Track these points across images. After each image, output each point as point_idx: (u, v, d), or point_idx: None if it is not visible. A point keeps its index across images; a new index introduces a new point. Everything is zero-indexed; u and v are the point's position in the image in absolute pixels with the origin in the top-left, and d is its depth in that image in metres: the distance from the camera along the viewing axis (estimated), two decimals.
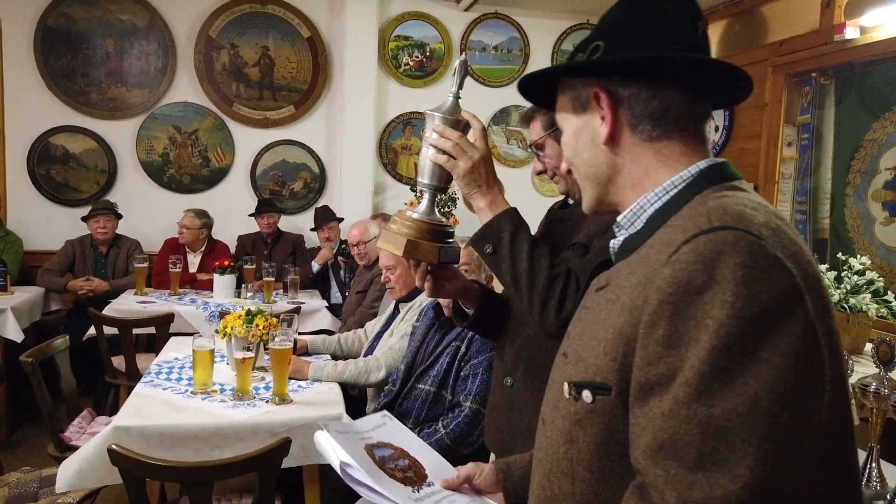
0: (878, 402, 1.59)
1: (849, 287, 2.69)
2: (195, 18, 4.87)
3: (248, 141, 5.06)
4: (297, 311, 3.61)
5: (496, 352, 1.61)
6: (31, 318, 4.00)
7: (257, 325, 2.37)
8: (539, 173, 1.56)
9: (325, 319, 4.02)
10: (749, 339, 0.66)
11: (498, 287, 1.66)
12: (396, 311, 2.85)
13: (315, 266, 4.59)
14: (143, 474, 1.65)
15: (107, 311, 3.56)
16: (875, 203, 3.54)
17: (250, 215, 4.75)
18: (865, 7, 3.47)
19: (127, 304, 3.80)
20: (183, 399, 2.20)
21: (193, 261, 4.49)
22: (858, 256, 2.80)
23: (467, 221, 4.58)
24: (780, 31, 4.15)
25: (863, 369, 2.27)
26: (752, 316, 0.66)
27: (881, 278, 2.74)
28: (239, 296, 4.09)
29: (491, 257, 1.32)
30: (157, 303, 3.87)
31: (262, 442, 1.96)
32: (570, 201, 1.57)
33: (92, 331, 3.46)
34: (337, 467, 1.11)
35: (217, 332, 2.41)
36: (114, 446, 1.63)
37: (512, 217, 1.32)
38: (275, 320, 2.44)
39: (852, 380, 1.77)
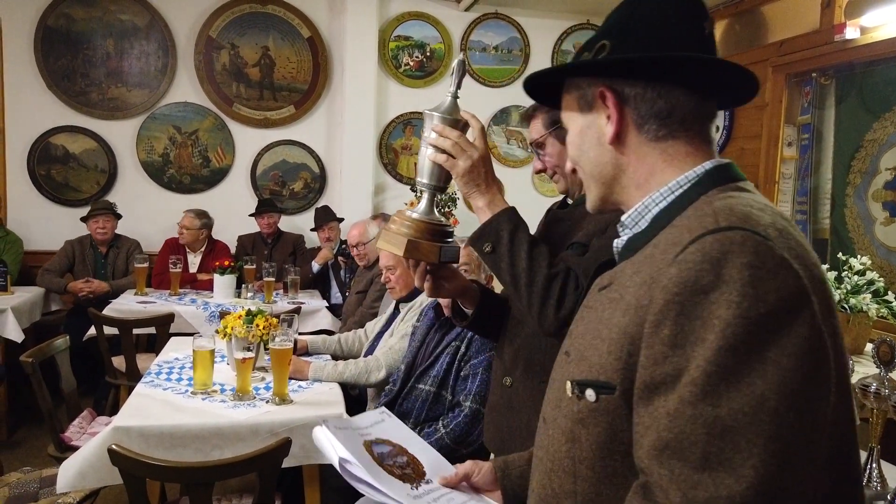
0: (878, 402, 1.59)
1: (849, 287, 2.69)
2: (195, 18, 4.87)
3: (248, 141, 5.06)
4: (297, 311, 3.61)
5: (495, 352, 1.61)
6: (32, 318, 4.00)
7: (257, 326, 2.37)
8: (538, 172, 1.56)
9: (325, 320, 4.02)
10: (756, 339, 0.66)
11: (498, 287, 1.66)
12: (397, 311, 2.86)
13: (315, 266, 4.59)
14: (143, 474, 1.65)
15: (107, 312, 3.56)
16: (875, 203, 3.54)
17: (250, 215, 4.75)
18: (866, 7, 3.47)
19: (127, 305, 3.80)
20: (183, 399, 2.20)
21: (194, 261, 4.49)
22: (859, 256, 2.80)
23: (467, 221, 4.58)
24: (780, 31, 4.15)
25: (863, 369, 2.26)
26: (758, 316, 0.66)
27: (881, 278, 2.74)
28: (239, 296, 4.09)
29: (490, 256, 1.32)
30: (158, 303, 3.87)
31: (262, 442, 1.96)
32: (569, 201, 1.57)
33: (92, 331, 3.46)
34: (336, 464, 1.11)
35: (217, 332, 2.41)
36: (114, 446, 1.63)
37: (511, 216, 1.32)
38: (275, 320, 2.44)
39: (853, 380, 1.76)
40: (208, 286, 4.15)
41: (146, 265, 4.15)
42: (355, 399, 2.75)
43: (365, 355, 2.79)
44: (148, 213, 4.85)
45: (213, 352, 2.27)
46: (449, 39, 5.27)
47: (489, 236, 1.31)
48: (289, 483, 2.43)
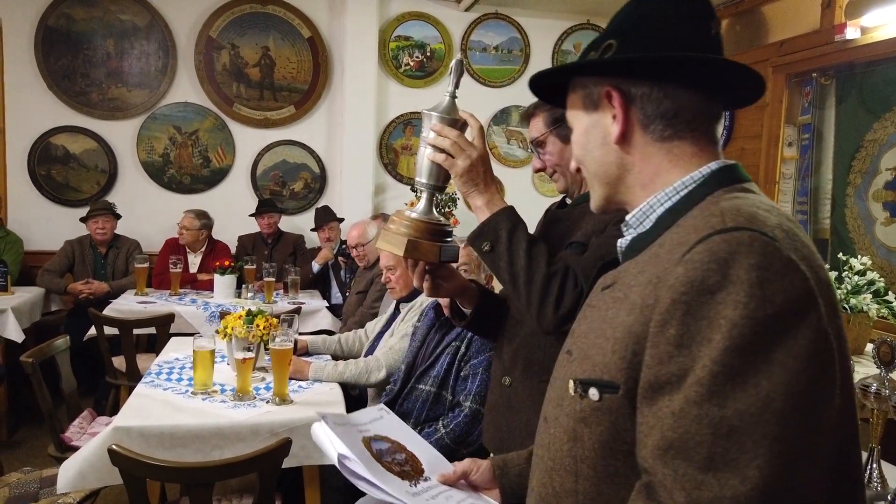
0: (878, 402, 1.59)
1: (849, 287, 2.69)
2: (195, 19, 4.88)
3: (248, 141, 5.06)
4: (297, 311, 3.61)
5: (494, 351, 1.61)
6: (32, 318, 4.00)
7: (258, 326, 2.37)
8: (538, 171, 1.56)
9: (325, 320, 4.02)
10: (762, 340, 0.66)
11: (498, 287, 1.66)
12: (397, 311, 2.86)
13: (315, 266, 4.59)
14: (143, 475, 1.65)
15: (107, 312, 3.56)
16: (876, 203, 3.54)
17: (251, 215, 4.75)
18: (866, 7, 3.47)
19: (127, 305, 3.80)
20: (183, 399, 2.20)
21: (194, 261, 4.49)
22: (859, 257, 2.80)
23: (468, 221, 4.58)
24: (780, 31, 4.15)
25: (863, 370, 2.26)
26: (765, 317, 0.66)
27: (882, 279, 2.73)
28: (239, 296, 4.09)
29: (488, 255, 1.32)
30: (158, 303, 3.87)
31: (262, 442, 1.96)
32: (568, 201, 1.57)
33: (92, 331, 3.46)
34: (334, 460, 1.11)
35: (217, 332, 2.41)
36: (114, 447, 1.63)
37: (509, 215, 1.32)
38: (275, 321, 2.44)
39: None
40: (208, 286, 4.15)
41: (146, 265, 4.15)
42: (355, 399, 2.75)
43: (365, 355, 2.79)
44: (148, 213, 4.86)
45: (213, 352, 2.27)
46: (449, 39, 5.27)
47: (488, 235, 1.32)
48: (289, 483, 2.43)
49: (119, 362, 3.35)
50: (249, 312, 2.42)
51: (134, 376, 3.14)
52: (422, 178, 1.33)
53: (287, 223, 5.01)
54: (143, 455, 1.66)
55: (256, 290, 4.15)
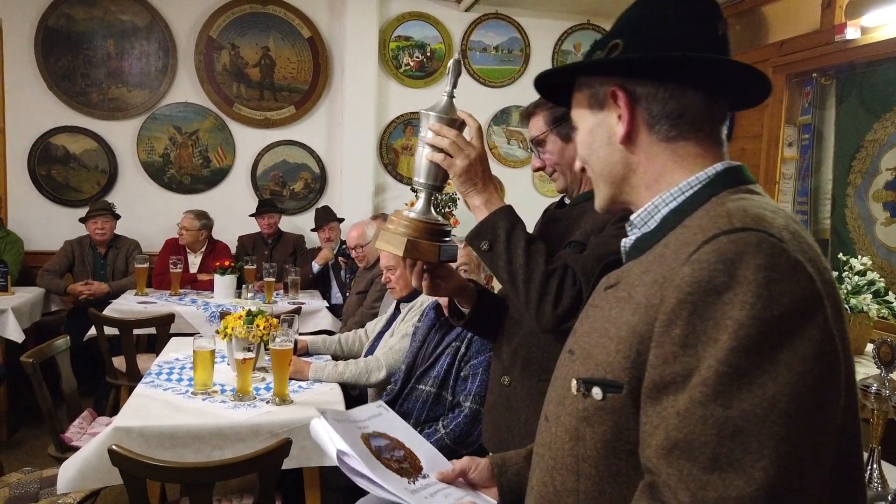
0: (879, 403, 1.59)
1: (850, 287, 2.69)
2: (196, 19, 4.88)
3: (248, 141, 5.06)
4: (297, 311, 3.61)
5: (493, 351, 1.61)
6: (32, 318, 4.00)
7: (258, 326, 2.37)
8: (537, 170, 1.56)
9: (325, 320, 4.02)
10: (769, 341, 0.66)
11: (498, 287, 1.66)
12: (397, 311, 2.85)
13: (315, 266, 4.59)
14: (143, 475, 1.65)
15: (107, 312, 3.56)
16: (876, 203, 3.54)
17: (251, 216, 4.75)
18: (866, 7, 3.46)
19: (127, 305, 3.80)
20: (183, 399, 2.20)
21: (194, 261, 4.49)
22: (859, 257, 2.80)
23: (468, 222, 4.58)
24: (780, 31, 4.15)
25: (864, 370, 2.26)
26: (772, 318, 0.66)
27: (882, 279, 2.73)
28: (239, 296, 4.09)
29: (487, 254, 1.32)
30: (158, 303, 3.87)
31: (262, 442, 1.96)
32: (567, 201, 1.57)
33: (92, 331, 3.46)
34: (333, 456, 1.11)
35: (217, 332, 2.41)
36: (114, 447, 1.63)
37: (507, 214, 1.33)
38: (275, 321, 2.44)
39: None
40: (209, 286, 4.15)
41: (146, 265, 4.15)
42: (356, 399, 2.75)
43: (365, 355, 2.79)
44: (148, 213, 4.86)
45: (213, 352, 2.27)
46: (449, 40, 5.27)
47: (486, 234, 1.32)
48: (289, 483, 2.43)
49: (119, 362, 3.35)
50: (249, 312, 2.42)
51: (134, 376, 3.14)
52: (420, 178, 1.33)
53: (287, 223, 5.01)
54: (143, 455, 1.66)
55: (256, 291, 4.15)
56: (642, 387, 0.74)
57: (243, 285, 4.16)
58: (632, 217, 0.90)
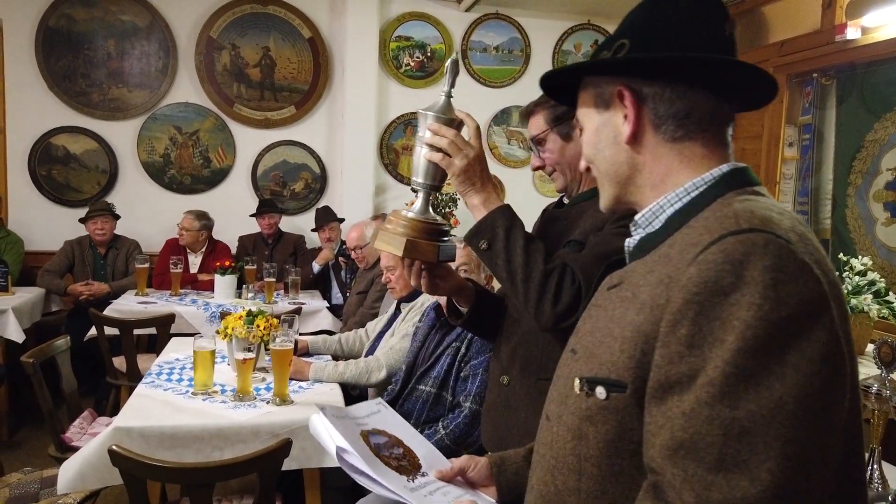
0: (879, 403, 1.59)
1: (850, 288, 2.69)
2: (196, 19, 4.88)
3: (248, 141, 5.06)
4: (297, 311, 3.61)
5: (492, 351, 1.61)
6: (32, 318, 4.00)
7: (258, 326, 2.37)
8: (536, 169, 1.56)
9: (325, 320, 4.02)
10: (775, 342, 0.66)
11: (498, 287, 1.66)
12: (398, 310, 2.85)
13: (316, 267, 4.59)
14: (143, 475, 1.65)
15: (108, 312, 3.56)
16: (876, 204, 3.53)
17: (251, 216, 4.75)
18: (867, 8, 3.46)
19: (128, 305, 3.80)
20: (184, 400, 2.20)
21: (194, 261, 4.49)
22: (860, 257, 2.79)
23: (468, 222, 4.57)
24: (781, 31, 4.14)
25: (864, 370, 2.26)
26: (779, 319, 0.66)
27: (882, 279, 2.73)
28: (240, 296, 4.09)
29: (486, 253, 1.32)
30: (158, 303, 3.87)
31: (262, 443, 1.96)
32: (566, 200, 1.57)
33: (93, 331, 3.46)
34: (333, 452, 1.11)
35: (218, 332, 2.41)
36: (114, 447, 1.63)
37: (506, 213, 1.33)
38: (276, 321, 2.44)
39: None
40: (209, 287, 4.15)
41: (147, 265, 4.15)
42: (356, 399, 2.74)
43: (366, 355, 2.79)
44: (149, 213, 4.86)
45: (213, 352, 2.26)
46: (449, 40, 5.27)
47: (485, 233, 1.32)
48: (289, 484, 2.43)
49: (119, 363, 3.35)
50: (250, 313, 2.42)
51: (134, 377, 3.14)
52: (418, 178, 1.33)
53: (287, 223, 5.01)
54: (143, 455, 1.66)
55: (257, 291, 4.15)
56: (647, 387, 0.73)
57: (244, 285, 4.16)
58: (636, 217, 0.90)
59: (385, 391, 2.48)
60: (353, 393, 2.73)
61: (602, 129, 0.90)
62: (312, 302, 4.16)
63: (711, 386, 0.67)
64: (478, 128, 1.35)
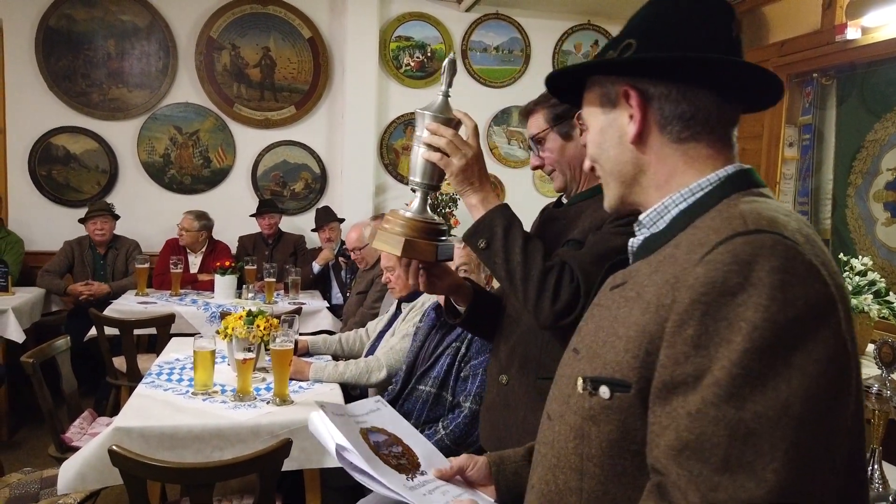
0: (880, 403, 1.59)
1: (850, 288, 2.69)
2: (196, 19, 4.88)
3: (249, 141, 5.06)
4: (298, 311, 3.61)
5: (491, 350, 1.61)
6: (32, 318, 4.00)
7: (258, 326, 2.37)
8: (535, 168, 1.56)
9: (326, 320, 4.02)
10: (782, 344, 0.66)
11: (497, 287, 1.66)
12: (399, 310, 2.85)
13: (316, 267, 4.59)
14: (143, 475, 1.65)
15: (108, 312, 3.56)
16: (877, 204, 3.53)
17: (251, 216, 4.75)
18: (867, 8, 3.46)
19: (128, 305, 3.80)
20: (184, 400, 2.20)
21: (194, 261, 4.49)
22: (860, 257, 2.79)
23: (468, 222, 4.57)
24: (781, 31, 4.14)
25: (864, 370, 2.25)
26: (786, 321, 0.66)
27: (883, 279, 2.73)
28: (240, 296, 4.09)
29: (485, 252, 1.32)
30: (158, 303, 3.87)
31: (262, 443, 1.96)
32: (564, 200, 1.57)
33: (93, 331, 3.46)
34: (332, 449, 1.11)
35: (218, 332, 2.41)
36: (114, 447, 1.63)
37: (504, 212, 1.33)
38: (276, 321, 2.44)
39: None
40: (209, 287, 4.15)
41: (147, 266, 4.15)
42: (356, 399, 2.74)
43: (366, 355, 2.79)
44: (149, 213, 4.86)
45: (213, 352, 2.26)
46: (450, 40, 5.27)
47: (483, 233, 1.32)
48: (289, 484, 2.43)
49: (119, 363, 3.35)
50: (250, 313, 2.42)
51: (134, 377, 3.14)
52: (416, 178, 1.33)
53: (287, 223, 5.01)
54: (143, 456, 1.66)
55: (257, 291, 4.15)
56: (651, 387, 0.73)
57: (244, 285, 4.16)
58: (641, 217, 0.90)
59: (385, 391, 2.48)
60: (354, 393, 2.73)
61: (607, 129, 0.90)
62: (312, 302, 4.16)
63: (718, 386, 0.66)
64: (475, 127, 1.35)
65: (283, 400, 2.20)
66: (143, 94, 4.83)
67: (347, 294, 4.36)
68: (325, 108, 5.15)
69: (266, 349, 2.42)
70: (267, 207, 4.72)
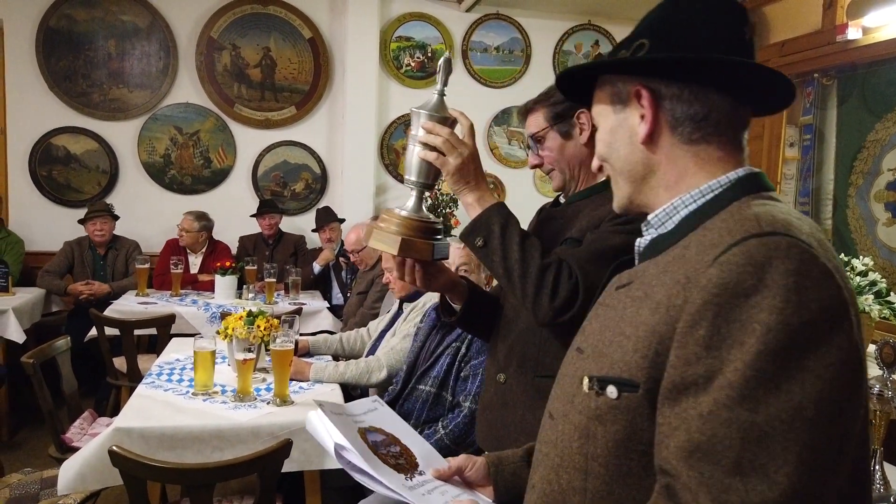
0: (881, 404, 1.59)
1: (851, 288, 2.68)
2: (196, 19, 4.88)
3: (249, 142, 5.06)
4: (298, 312, 3.61)
5: (489, 349, 1.61)
6: (33, 318, 4.00)
7: (258, 327, 2.37)
8: (534, 167, 1.55)
9: (326, 320, 4.02)
10: (796, 347, 0.66)
11: (495, 285, 1.65)
12: (401, 310, 2.85)
13: (316, 267, 4.59)
14: (143, 476, 1.65)
15: (108, 312, 3.56)
16: (877, 204, 3.53)
17: (252, 216, 4.75)
18: (867, 8, 3.46)
19: (128, 305, 3.80)
20: (184, 400, 2.19)
21: (195, 262, 4.49)
22: (861, 257, 2.79)
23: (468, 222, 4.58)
24: (782, 31, 4.14)
25: None
26: (801, 324, 0.66)
27: (884, 279, 2.73)
28: (240, 297, 4.09)
29: (482, 250, 1.32)
30: (159, 304, 3.87)
31: (263, 444, 1.95)
32: (562, 200, 1.56)
33: (93, 332, 3.46)
34: (331, 449, 1.10)
35: (218, 333, 2.41)
36: (115, 448, 1.63)
37: (501, 210, 1.33)
38: (276, 321, 2.43)
39: None
40: (209, 287, 4.15)
41: (147, 266, 4.15)
42: (357, 399, 2.74)
43: (367, 355, 2.79)
44: (149, 213, 4.86)
45: (213, 353, 2.26)
46: (450, 40, 5.27)
47: (480, 231, 1.32)
48: (289, 484, 2.42)
49: (120, 363, 3.35)
50: (250, 313, 2.42)
51: (135, 377, 3.14)
52: (412, 176, 1.33)
53: (288, 224, 5.00)
54: (143, 456, 1.66)
55: (257, 291, 4.15)
56: (660, 387, 0.73)
57: (244, 286, 4.16)
58: (649, 217, 0.89)
59: (386, 391, 2.48)
60: (354, 393, 2.73)
61: (618, 129, 0.89)
62: (313, 302, 4.16)
63: (730, 388, 0.66)
64: (471, 126, 1.35)
65: (284, 400, 2.19)
66: (143, 94, 4.83)
67: (348, 294, 4.36)
68: (325, 109, 5.16)
69: (266, 349, 2.42)
70: (267, 208, 4.72)
